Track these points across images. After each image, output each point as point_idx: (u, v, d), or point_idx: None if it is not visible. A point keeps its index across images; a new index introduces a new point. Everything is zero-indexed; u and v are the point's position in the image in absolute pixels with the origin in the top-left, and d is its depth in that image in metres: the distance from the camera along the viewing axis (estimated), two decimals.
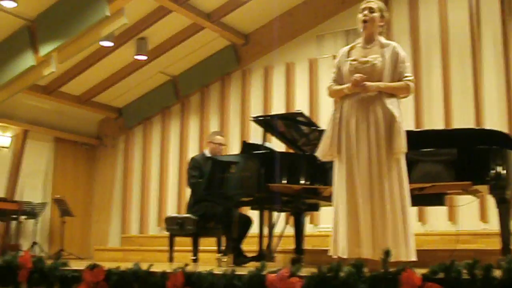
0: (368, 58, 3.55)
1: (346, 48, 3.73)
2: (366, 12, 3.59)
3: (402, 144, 3.41)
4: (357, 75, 3.47)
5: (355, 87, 3.48)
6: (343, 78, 3.62)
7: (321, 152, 3.64)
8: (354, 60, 3.59)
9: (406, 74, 3.55)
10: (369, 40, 3.63)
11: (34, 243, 8.62)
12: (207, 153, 5.76)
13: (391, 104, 3.47)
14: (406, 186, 3.46)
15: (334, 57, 4.71)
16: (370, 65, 3.52)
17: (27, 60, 7.25)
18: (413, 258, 3.32)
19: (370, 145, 3.43)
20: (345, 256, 3.37)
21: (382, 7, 3.66)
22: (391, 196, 3.36)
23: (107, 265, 3.27)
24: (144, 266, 3.13)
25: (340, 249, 3.41)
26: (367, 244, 3.33)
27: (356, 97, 3.52)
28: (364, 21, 3.59)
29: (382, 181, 3.38)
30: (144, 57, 8.41)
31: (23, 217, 8.71)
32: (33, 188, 9.29)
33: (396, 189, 3.38)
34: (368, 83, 3.46)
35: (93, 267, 3.21)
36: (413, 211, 6.74)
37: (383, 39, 3.64)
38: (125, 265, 3.23)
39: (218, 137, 5.84)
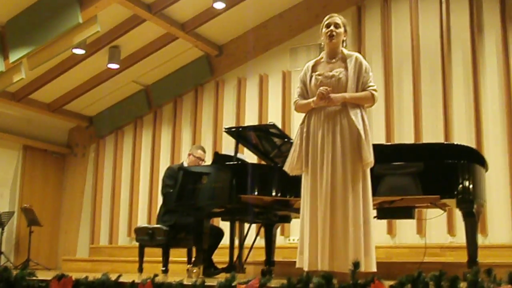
0: (333, 72, 3.63)
1: (311, 62, 3.81)
2: (332, 27, 3.69)
3: (367, 156, 3.46)
4: (322, 88, 3.54)
5: (320, 100, 3.54)
6: (309, 93, 3.69)
7: (289, 166, 3.69)
8: (319, 74, 3.67)
9: (369, 84, 3.64)
10: (333, 54, 3.72)
11: (0, 253, 8.43)
12: (186, 164, 5.74)
13: (354, 116, 3.53)
14: (370, 199, 3.52)
15: None
16: (335, 79, 3.60)
17: None
18: (373, 269, 3.36)
19: (335, 157, 3.49)
20: (306, 268, 3.41)
21: (345, 22, 3.78)
22: (354, 207, 3.41)
23: (75, 276, 3.22)
24: (113, 277, 3.09)
25: (303, 261, 3.46)
26: (326, 255, 3.37)
27: (322, 110, 3.59)
28: (331, 37, 3.67)
29: (346, 193, 3.43)
30: (116, 66, 8.34)
31: None
32: (0, 197, 9.10)
33: (359, 201, 3.44)
34: (333, 95, 3.53)
35: (60, 277, 3.16)
36: (382, 224, 6.90)
37: (345, 50, 3.74)
38: (94, 276, 3.19)
39: (200, 151, 5.82)
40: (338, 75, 3.61)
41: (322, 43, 3.75)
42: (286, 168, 3.70)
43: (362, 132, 3.48)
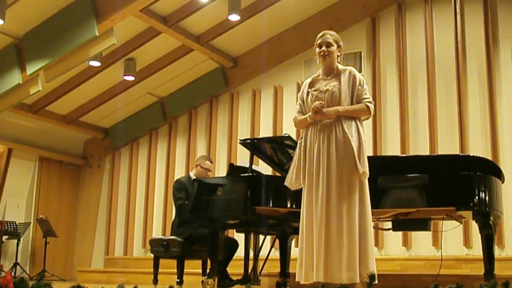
0: (327, 87, 3.71)
1: (308, 79, 3.91)
2: (323, 48, 3.75)
3: (359, 167, 3.48)
4: (316, 103, 3.63)
5: (315, 115, 3.61)
6: (307, 109, 3.77)
7: (289, 181, 3.76)
8: (315, 90, 3.76)
9: (364, 96, 3.69)
10: (329, 71, 3.80)
11: (16, 264, 8.49)
12: (193, 175, 5.76)
13: (348, 127, 3.58)
14: (368, 210, 3.51)
15: None
16: (329, 93, 3.68)
17: (14, 78, 7.20)
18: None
19: (330, 168, 3.54)
20: (302, 281, 3.42)
21: (337, 38, 3.82)
22: (349, 218, 3.43)
23: (90, 287, 3.24)
24: None
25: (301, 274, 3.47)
26: (321, 268, 3.39)
27: (319, 124, 3.66)
28: (324, 56, 3.74)
29: (341, 204, 3.46)
30: (132, 78, 8.41)
31: (5, 237, 8.58)
32: (16, 208, 9.17)
33: (355, 211, 3.45)
34: (326, 109, 3.61)
35: None
36: (397, 235, 6.84)
37: (340, 66, 3.81)
38: (109, 287, 3.20)
39: (208, 162, 5.86)
40: (332, 89, 3.68)
41: (318, 61, 3.81)
42: (287, 183, 3.77)
43: (354, 143, 3.53)
